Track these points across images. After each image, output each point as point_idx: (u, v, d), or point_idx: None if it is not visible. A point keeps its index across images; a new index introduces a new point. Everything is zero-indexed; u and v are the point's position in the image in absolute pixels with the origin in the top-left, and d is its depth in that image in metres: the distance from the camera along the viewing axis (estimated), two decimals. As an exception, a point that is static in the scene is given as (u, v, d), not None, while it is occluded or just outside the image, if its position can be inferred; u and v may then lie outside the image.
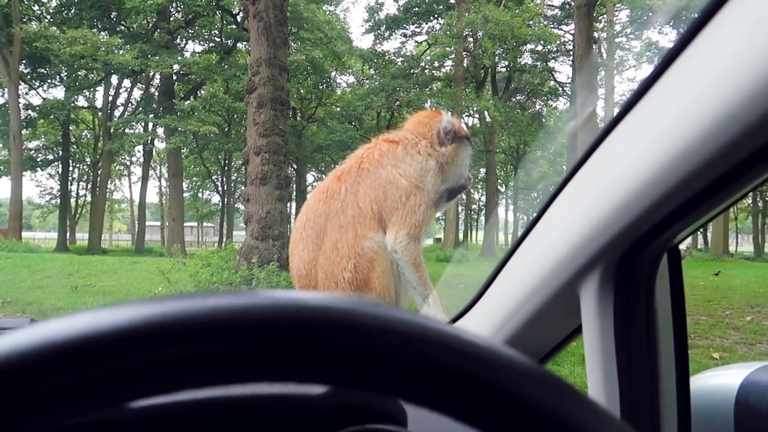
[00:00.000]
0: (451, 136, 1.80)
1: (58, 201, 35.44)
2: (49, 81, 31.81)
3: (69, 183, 36.13)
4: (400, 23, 30.70)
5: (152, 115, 28.88)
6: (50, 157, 35.18)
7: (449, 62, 30.05)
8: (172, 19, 28.14)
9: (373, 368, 0.30)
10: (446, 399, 0.31)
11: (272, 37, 9.04)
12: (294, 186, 31.29)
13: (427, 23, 31.59)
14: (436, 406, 0.31)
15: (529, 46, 29.66)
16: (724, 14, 0.51)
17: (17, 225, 25.67)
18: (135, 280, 13.14)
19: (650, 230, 0.64)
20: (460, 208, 37.12)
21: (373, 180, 1.64)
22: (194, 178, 43.70)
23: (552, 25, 29.85)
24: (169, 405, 0.59)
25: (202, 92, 30.45)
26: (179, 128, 25.36)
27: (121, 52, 24.90)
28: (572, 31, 26.55)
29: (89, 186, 37.76)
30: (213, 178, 41.60)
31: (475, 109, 28.14)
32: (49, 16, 29.16)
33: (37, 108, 30.31)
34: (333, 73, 33.97)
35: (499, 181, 42.02)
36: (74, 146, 35.81)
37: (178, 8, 29.31)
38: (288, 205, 11.81)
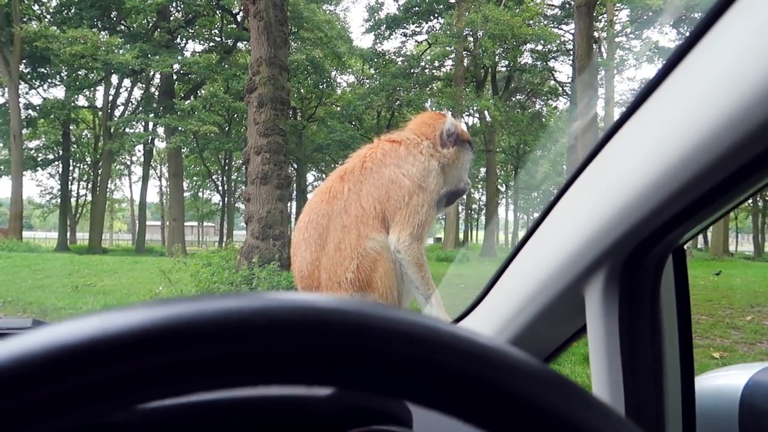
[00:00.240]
0: (454, 138, 1.81)
1: (59, 200, 35.44)
2: (49, 80, 31.79)
3: (69, 182, 36.14)
4: (401, 23, 30.69)
5: (152, 115, 28.88)
6: (50, 156, 35.18)
7: (449, 62, 30.06)
8: (172, 18, 28.14)
9: (382, 371, 0.30)
10: (456, 401, 0.31)
11: (272, 37, 9.04)
12: (294, 185, 31.32)
13: (427, 23, 31.59)
14: (446, 409, 0.31)
15: (529, 46, 29.67)
16: (729, 16, 0.51)
17: (18, 225, 25.68)
18: (136, 280, 13.14)
19: (656, 231, 0.64)
20: (460, 208, 37.10)
21: (376, 179, 1.64)
22: (194, 178, 43.70)
23: (552, 25, 29.84)
24: (174, 406, 0.59)
25: (203, 92, 30.45)
26: (179, 128, 25.36)
27: (121, 51, 24.90)
28: (572, 31, 26.54)
29: (90, 185, 37.78)
30: (213, 177, 41.59)
31: (475, 108, 28.14)
32: (49, 16, 29.15)
33: (38, 107, 30.31)
34: (333, 73, 33.96)
35: (499, 180, 42.02)
36: (74, 146, 35.81)
37: (178, 8, 29.31)
38: (288, 204, 11.80)
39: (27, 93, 30.94)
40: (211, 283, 7.85)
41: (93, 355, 0.28)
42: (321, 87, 33.08)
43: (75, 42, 22.83)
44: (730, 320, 7.97)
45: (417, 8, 30.20)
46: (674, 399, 0.78)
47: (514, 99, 34.67)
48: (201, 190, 47.25)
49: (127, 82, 32.88)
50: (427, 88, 30.50)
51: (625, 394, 0.74)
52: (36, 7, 29.15)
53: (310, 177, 41.77)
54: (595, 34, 22.95)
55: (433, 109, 34.04)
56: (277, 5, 9.27)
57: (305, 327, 0.29)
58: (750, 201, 33.72)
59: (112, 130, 29.54)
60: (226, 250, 9.67)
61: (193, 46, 32.73)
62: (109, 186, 37.34)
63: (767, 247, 37.61)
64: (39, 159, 34.36)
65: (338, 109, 33.08)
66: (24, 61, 27.78)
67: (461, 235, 40.47)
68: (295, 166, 33.14)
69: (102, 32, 27.43)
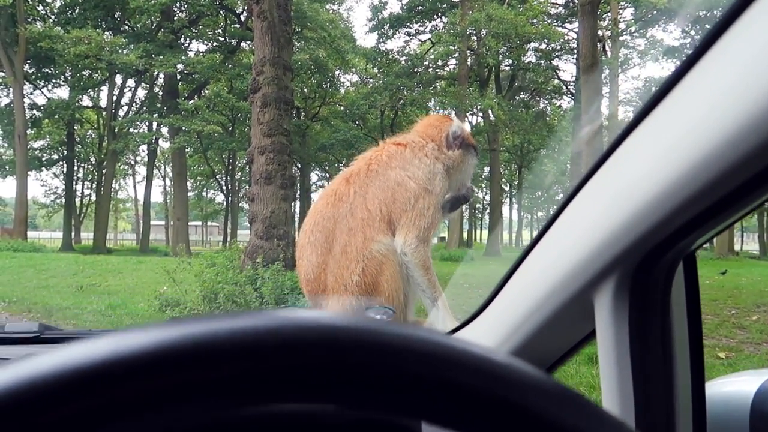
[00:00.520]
0: (459, 142, 1.80)
1: (63, 200, 35.56)
2: (53, 81, 31.90)
3: (74, 182, 36.25)
4: (404, 22, 30.67)
5: (156, 115, 28.96)
6: (55, 156, 35.33)
7: (453, 61, 30.00)
8: (176, 18, 28.22)
9: (399, 391, 0.30)
10: (470, 419, 0.31)
11: (276, 37, 9.04)
12: (298, 185, 31.35)
13: (430, 22, 31.57)
14: (460, 427, 0.31)
15: (532, 45, 29.60)
16: (747, 18, 0.50)
17: (23, 225, 25.77)
18: (140, 280, 13.18)
19: (667, 238, 0.63)
20: (464, 207, 37.02)
21: (381, 182, 1.64)
22: (198, 178, 43.78)
23: (556, 23, 29.75)
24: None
25: (206, 92, 30.52)
26: (183, 128, 25.41)
27: (125, 51, 24.96)
28: (576, 29, 26.47)
29: (94, 185, 37.91)
30: (217, 177, 41.66)
31: (479, 107, 28.11)
32: (53, 16, 29.25)
33: (42, 108, 30.40)
34: (337, 72, 33.95)
35: (503, 180, 41.96)
36: (79, 146, 35.93)
37: (182, 8, 29.37)
38: (292, 204, 11.79)
39: (31, 93, 31.05)
40: (215, 283, 7.85)
41: (102, 378, 0.28)
42: (324, 86, 33.09)
43: (79, 42, 22.89)
44: (735, 320, 7.94)
45: (420, 7, 30.19)
46: (685, 405, 0.77)
47: (517, 98, 34.61)
48: (205, 189, 47.34)
49: (131, 82, 32.99)
50: (431, 88, 30.47)
51: (636, 401, 0.74)
52: (40, 8, 29.25)
53: (314, 176, 41.81)
54: (600, 32, 22.88)
55: (437, 108, 34.05)
56: (281, 5, 9.26)
57: (321, 346, 0.29)
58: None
59: (116, 130, 29.62)
60: (231, 250, 9.67)
61: (196, 46, 32.76)
62: (113, 186, 37.43)
63: (773, 246, 37.39)
64: (44, 159, 34.51)
65: (342, 108, 33.08)
66: (28, 61, 27.89)
67: (465, 235, 40.44)
68: (299, 165, 33.17)
69: (106, 32, 27.52)
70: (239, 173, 39.94)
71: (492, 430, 0.30)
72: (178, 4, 28.59)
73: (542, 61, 31.49)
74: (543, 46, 29.60)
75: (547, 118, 35.66)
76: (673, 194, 0.57)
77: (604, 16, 26.41)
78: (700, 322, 0.79)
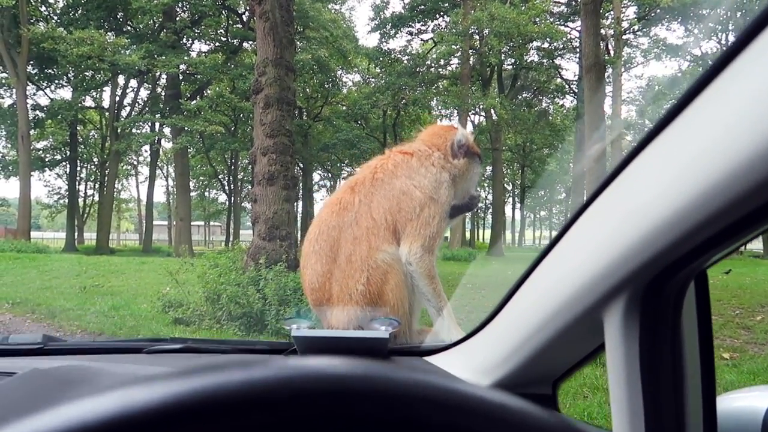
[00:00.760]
0: (464, 150, 1.80)
1: (66, 201, 35.65)
2: (56, 81, 31.98)
3: (77, 183, 36.35)
4: (406, 21, 30.65)
5: (159, 115, 29.00)
6: (58, 157, 35.43)
7: (455, 60, 29.99)
8: (178, 19, 28.24)
9: None
10: None
11: (279, 38, 9.03)
12: (300, 185, 31.36)
13: (432, 21, 31.54)
14: None
15: (535, 44, 29.57)
16: (765, 37, 0.48)
17: (26, 225, 25.84)
18: (143, 281, 13.20)
19: (682, 257, 0.62)
20: (466, 207, 36.90)
21: (387, 191, 1.63)
22: (201, 178, 43.84)
23: (558, 22, 29.70)
24: None
25: (209, 92, 30.54)
26: (186, 128, 25.44)
27: (127, 52, 25.02)
28: (579, 28, 26.43)
29: (97, 186, 38.03)
30: (219, 177, 41.73)
31: (481, 107, 28.08)
32: (56, 17, 29.31)
33: (45, 108, 30.48)
34: (339, 72, 33.97)
35: (506, 179, 41.94)
36: (82, 146, 36.03)
37: (184, 8, 29.39)
38: (295, 204, 11.79)
39: (35, 94, 31.13)
40: (218, 284, 7.85)
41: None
42: (327, 86, 33.11)
43: (82, 43, 22.94)
44: (740, 320, 7.92)
45: (422, 7, 30.16)
46: (695, 422, 0.76)
47: (520, 97, 34.58)
48: (207, 189, 47.41)
49: (133, 83, 33.08)
50: (433, 87, 30.47)
51: (646, 418, 0.73)
52: (43, 9, 29.31)
53: (316, 176, 41.87)
54: (602, 31, 22.83)
55: (439, 107, 34.05)
56: (284, 6, 9.25)
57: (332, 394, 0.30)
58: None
59: (118, 131, 29.68)
60: (233, 251, 9.69)
61: (199, 47, 32.80)
62: (116, 186, 37.52)
63: (777, 245, 37.25)
64: (47, 159, 34.60)
65: (344, 108, 33.10)
66: (31, 62, 27.96)
67: (468, 235, 40.41)
68: (301, 165, 33.19)
69: (108, 33, 27.55)
70: (241, 173, 40.00)
71: None
72: (180, 5, 28.61)
73: (545, 60, 31.46)
74: (545, 45, 29.55)
75: (550, 118, 35.64)
76: (689, 215, 0.55)
77: (606, 14, 26.34)
78: (711, 338, 0.78)
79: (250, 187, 32.06)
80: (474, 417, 0.26)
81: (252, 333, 7.29)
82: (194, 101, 27.75)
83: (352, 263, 1.54)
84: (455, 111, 29.54)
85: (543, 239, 69.48)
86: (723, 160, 0.51)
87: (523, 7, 25.85)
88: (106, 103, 33.88)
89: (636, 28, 29.40)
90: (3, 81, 27.60)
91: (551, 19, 29.05)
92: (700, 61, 30.15)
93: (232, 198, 39.41)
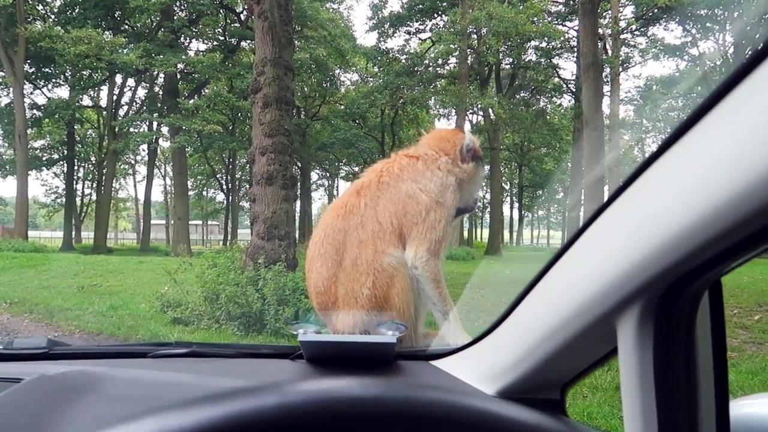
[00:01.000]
0: (471, 154, 1.80)
1: (64, 200, 35.58)
2: (53, 80, 31.90)
3: (74, 182, 36.27)
4: (404, 20, 30.64)
5: (157, 114, 28.96)
6: (55, 156, 35.36)
7: (453, 59, 29.96)
8: (175, 18, 28.17)
9: None
10: None
11: (277, 37, 9.01)
12: (299, 184, 31.32)
13: (431, 20, 31.53)
14: None
15: (533, 43, 29.57)
16: None
17: (23, 224, 25.78)
18: (141, 280, 13.18)
19: (698, 267, 0.61)
20: (464, 206, 36.91)
21: (393, 194, 1.63)
22: (199, 177, 43.82)
23: (556, 22, 29.71)
24: None
25: (206, 91, 30.51)
26: (184, 127, 25.40)
27: (125, 51, 24.95)
28: (576, 28, 26.44)
29: (94, 185, 37.95)
30: (217, 176, 41.69)
31: (479, 106, 28.09)
32: (53, 16, 29.22)
33: (42, 107, 30.41)
34: (337, 71, 33.94)
35: (503, 178, 41.96)
36: (79, 145, 35.94)
37: (182, 7, 29.33)
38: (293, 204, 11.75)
39: (32, 93, 31.06)
40: (216, 284, 7.84)
41: None
42: (325, 85, 33.08)
43: (79, 42, 22.87)
44: (738, 319, 7.92)
45: (421, 6, 30.14)
46: (709, 428, 0.76)
47: (518, 96, 34.59)
48: (205, 189, 47.37)
49: (131, 82, 33.00)
50: (431, 86, 30.45)
51: (659, 426, 0.73)
52: (40, 7, 29.22)
53: (314, 175, 41.82)
54: (600, 30, 22.85)
55: (437, 106, 34.04)
56: (282, 5, 9.23)
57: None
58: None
59: (116, 130, 29.62)
60: (232, 251, 9.67)
61: (196, 46, 32.75)
62: (113, 185, 37.43)
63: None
64: (44, 159, 34.54)
65: (342, 107, 33.07)
66: (28, 61, 27.88)
67: (466, 234, 40.44)
68: (299, 164, 33.15)
69: (106, 32, 27.50)
70: (239, 172, 39.97)
71: None
72: (178, 4, 28.56)
73: (542, 60, 31.47)
74: (543, 44, 29.56)
75: (548, 117, 35.66)
76: (709, 224, 0.54)
77: (604, 14, 26.38)
78: (725, 345, 0.78)
79: (248, 186, 32.05)
80: None
81: (251, 333, 7.28)
82: (192, 100, 27.71)
83: (357, 267, 1.54)
84: (453, 110, 29.54)
85: (541, 238, 69.59)
86: (746, 169, 0.50)
87: (521, 7, 25.85)
88: (103, 102, 33.84)
89: (634, 27, 29.44)
90: (0, 80, 27.52)
91: (549, 19, 29.05)
92: (698, 61, 30.21)
93: (230, 197, 39.38)
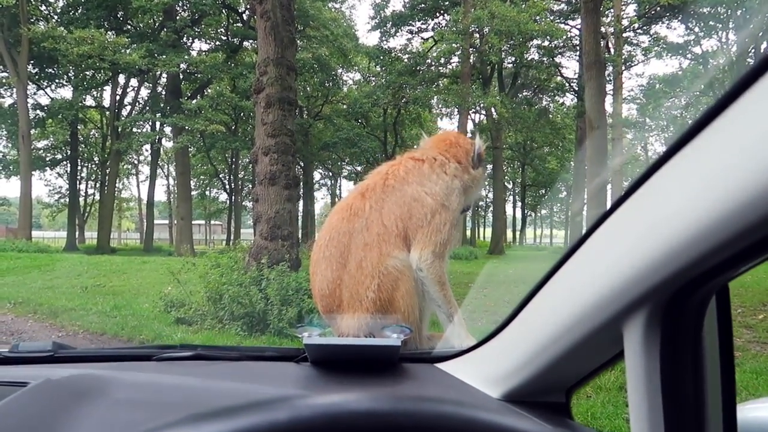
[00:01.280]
0: (479, 160, 1.81)
1: (67, 200, 35.66)
2: (57, 81, 31.95)
3: (78, 182, 36.35)
4: (406, 20, 30.59)
5: (159, 114, 28.96)
6: (59, 156, 35.43)
7: (456, 59, 29.93)
8: (178, 18, 28.19)
9: None
10: None
11: (280, 37, 9.00)
12: (301, 184, 31.32)
13: (433, 20, 31.47)
14: None
15: (535, 42, 29.48)
16: None
17: (27, 224, 25.84)
18: (144, 280, 13.21)
19: (709, 270, 0.61)
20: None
21: (398, 197, 1.63)
22: (202, 177, 43.85)
23: (558, 20, 29.64)
24: None
25: (209, 91, 30.50)
26: (186, 127, 25.42)
27: (128, 51, 24.97)
28: (579, 26, 26.38)
29: (98, 185, 38.02)
30: (220, 176, 41.73)
31: (481, 105, 28.04)
32: (56, 17, 29.27)
33: (46, 108, 30.46)
34: (339, 71, 33.94)
35: (506, 177, 41.91)
36: (82, 145, 36.03)
37: (185, 7, 29.34)
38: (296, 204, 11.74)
39: (35, 93, 31.11)
40: (220, 284, 7.85)
41: None
42: (327, 85, 33.08)
43: (82, 42, 22.90)
44: (742, 319, 7.89)
45: (423, 5, 30.10)
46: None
47: (520, 95, 34.55)
48: (208, 188, 47.41)
49: (134, 82, 33.06)
50: (434, 86, 30.42)
51: (666, 430, 0.72)
52: (43, 8, 29.28)
53: (316, 175, 41.83)
54: (603, 29, 22.79)
55: (440, 106, 34.04)
56: (284, 5, 9.23)
57: None
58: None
59: (119, 130, 29.67)
60: (235, 251, 9.68)
61: (199, 46, 32.76)
62: (117, 185, 37.52)
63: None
64: (47, 159, 34.60)
65: (344, 107, 33.07)
66: (32, 61, 27.93)
67: (468, 233, 40.40)
68: (302, 164, 33.16)
69: (109, 32, 27.50)
70: (242, 172, 39.99)
71: None
72: (180, 4, 28.57)
73: (545, 59, 31.40)
74: (546, 43, 29.47)
75: (550, 116, 35.61)
76: (715, 232, 0.54)
77: (607, 12, 26.29)
78: (732, 348, 0.77)
79: (251, 186, 32.06)
80: None
81: (254, 333, 7.29)
82: (195, 100, 27.70)
83: (362, 270, 1.54)
84: (456, 109, 29.51)
85: (544, 237, 69.51)
86: (755, 174, 0.49)
87: (524, 5, 25.81)
88: (106, 103, 33.89)
89: (636, 26, 29.34)
90: (4, 80, 27.58)
91: (551, 17, 28.99)
92: (701, 59, 30.11)
93: (233, 197, 39.42)
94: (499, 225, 30.42)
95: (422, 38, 32.45)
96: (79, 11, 28.69)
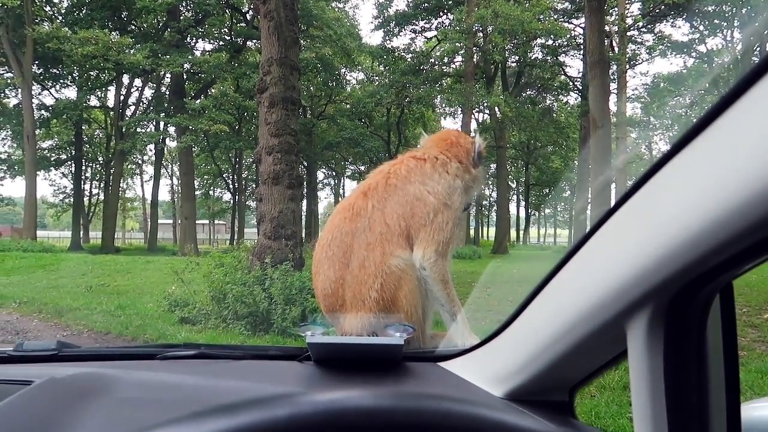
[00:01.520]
0: (479, 158, 1.81)
1: (72, 200, 35.79)
2: (61, 81, 32.07)
3: (82, 182, 36.46)
4: (410, 19, 30.56)
5: (163, 114, 29.05)
6: (63, 156, 35.56)
7: (459, 58, 29.88)
8: (182, 18, 28.25)
9: None
10: None
11: (283, 37, 9.01)
12: (305, 183, 31.37)
13: (436, 19, 31.43)
14: None
15: (539, 41, 29.44)
16: None
17: (32, 224, 25.94)
18: (149, 280, 13.24)
19: (713, 269, 0.61)
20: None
21: (400, 196, 1.63)
22: (205, 177, 43.96)
23: (562, 19, 29.57)
24: None
25: (213, 91, 30.57)
26: (190, 127, 25.49)
27: (132, 51, 25.04)
28: (583, 25, 26.30)
29: (102, 185, 38.11)
30: (224, 176, 41.81)
31: (485, 104, 28.00)
32: (60, 17, 29.36)
33: (50, 108, 30.58)
34: (342, 70, 33.94)
35: (510, 177, 41.83)
36: (87, 146, 36.11)
37: (188, 7, 29.40)
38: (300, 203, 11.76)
39: (40, 94, 31.24)
40: (223, 283, 7.86)
41: None
42: (330, 85, 33.10)
43: (86, 43, 22.97)
44: (747, 318, 7.86)
45: (426, 4, 30.06)
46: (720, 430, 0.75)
47: (524, 94, 34.49)
48: (212, 188, 47.51)
49: (138, 82, 33.13)
50: (437, 85, 30.40)
51: (669, 429, 0.72)
52: (48, 9, 29.37)
53: (320, 174, 41.87)
54: (607, 28, 22.73)
55: (443, 105, 33.99)
56: (288, 5, 9.24)
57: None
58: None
59: (123, 130, 29.76)
60: (239, 250, 9.69)
61: (203, 46, 32.84)
62: (121, 185, 37.65)
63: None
64: (52, 159, 34.75)
65: (348, 106, 33.09)
66: (36, 62, 28.02)
67: (472, 232, 40.36)
68: (306, 163, 33.19)
69: (113, 33, 27.59)
70: (246, 172, 40.05)
71: None
72: (184, 4, 28.62)
73: (549, 58, 31.34)
74: (549, 42, 29.42)
75: (554, 115, 35.53)
76: (718, 230, 0.53)
77: (611, 11, 26.22)
78: (736, 348, 0.77)
79: (254, 185, 32.11)
80: None
81: (258, 332, 7.30)
82: (198, 100, 27.77)
83: (365, 269, 1.53)
84: (459, 109, 29.47)
85: (548, 237, 69.38)
86: (759, 172, 0.49)
87: (527, 4, 25.79)
88: (110, 103, 33.98)
89: (640, 24, 29.24)
90: (8, 81, 27.68)
91: (555, 16, 28.93)
92: (706, 57, 30.00)
93: (237, 197, 39.49)
94: (502, 224, 30.38)
95: (425, 37, 32.44)
96: (84, 12, 28.78)
